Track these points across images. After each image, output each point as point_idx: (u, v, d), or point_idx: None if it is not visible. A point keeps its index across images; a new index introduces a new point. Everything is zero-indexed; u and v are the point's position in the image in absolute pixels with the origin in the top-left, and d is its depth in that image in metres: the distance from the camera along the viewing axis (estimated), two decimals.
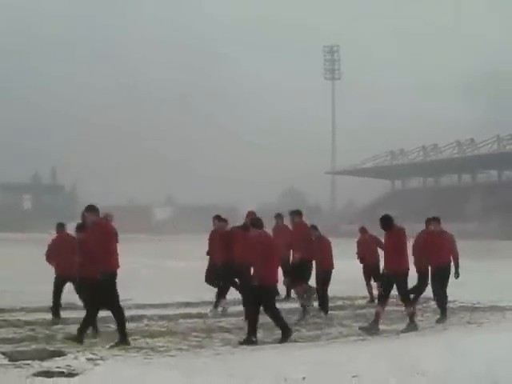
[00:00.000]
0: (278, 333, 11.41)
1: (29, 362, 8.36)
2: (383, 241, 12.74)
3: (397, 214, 17.86)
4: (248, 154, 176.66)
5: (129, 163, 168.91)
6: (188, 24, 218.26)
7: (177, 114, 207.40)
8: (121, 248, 15.68)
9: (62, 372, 7.83)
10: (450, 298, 14.68)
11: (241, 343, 10.32)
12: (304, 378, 7.59)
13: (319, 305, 13.78)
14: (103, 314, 13.08)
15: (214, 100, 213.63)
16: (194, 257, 16.01)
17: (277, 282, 11.07)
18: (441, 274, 13.27)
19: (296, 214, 13.97)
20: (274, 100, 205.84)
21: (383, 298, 12.03)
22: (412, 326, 11.91)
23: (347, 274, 17.34)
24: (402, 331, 11.73)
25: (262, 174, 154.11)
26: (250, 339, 10.40)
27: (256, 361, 8.67)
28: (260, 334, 11.21)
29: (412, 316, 12.07)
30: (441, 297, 13.40)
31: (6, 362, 8.45)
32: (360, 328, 11.82)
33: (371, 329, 11.64)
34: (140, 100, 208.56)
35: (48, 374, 7.72)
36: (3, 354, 8.88)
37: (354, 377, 7.68)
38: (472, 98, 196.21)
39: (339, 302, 15.74)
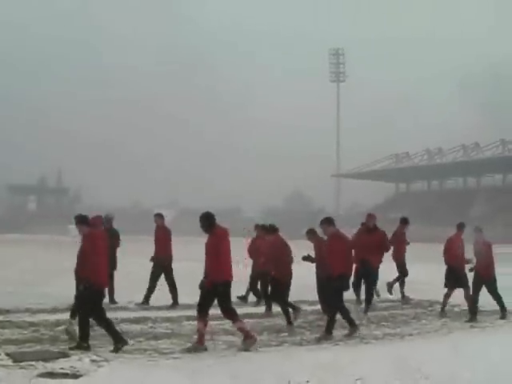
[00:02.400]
0: (284, 335, 11.44)
1: (33, 363, 8.38)
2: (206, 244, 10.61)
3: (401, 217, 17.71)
4: (253, 157, 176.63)
5: (133, 166, 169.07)
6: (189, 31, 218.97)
7: (182, 117, 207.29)
8: (125, 250, 15.77)
9: (66, 373, 7.86)
10: (454, 302, 14.67)
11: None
12: (308, 381, 7.60)
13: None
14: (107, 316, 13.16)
15: (218, 103, 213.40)
16: (198, 259, 15.99)
17: (104, 286, 10.09)
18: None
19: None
20: (277, 103, 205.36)
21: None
22: (250, 342, 10.14)
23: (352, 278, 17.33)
24: (240, 349, 10.06)
25: (266, 178, 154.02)
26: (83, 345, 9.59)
27: (260, 363, 8.69)
28: (264, 337, 11.21)
29: (243, 330, 10.27)
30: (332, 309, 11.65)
31: (10, 362, 8.47)
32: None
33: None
34: (144, 103, 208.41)
35: (52, 375, 7.75)
36: (7, 354, 8.89)
37: (357, 380, 7.69)
38: (476, 102, 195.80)
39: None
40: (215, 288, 10.09)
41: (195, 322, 11.99)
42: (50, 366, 8.20)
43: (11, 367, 8.19)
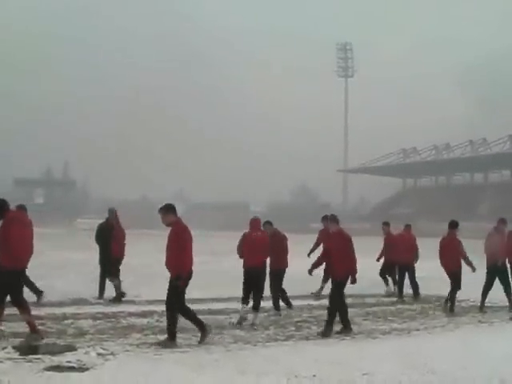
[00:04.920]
0: (291, 329, 11.42)
1: (40, 356, 8.39)
2: None
3: (409, 212, 17.72)
4: (259, 152, 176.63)
5: (141, 159, 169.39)
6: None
7: (190, 108, 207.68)
8: (133, 244, 15.78)
9: (73, 367, 7.86)
10: (462, 297, 14.63)
11: None
12: (315, 375, 7.57)
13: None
14: (113, 309, 13.19)
15: (226, 95, 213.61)
16: (205, 253, 16.01)
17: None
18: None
19: None
20: (285, 98, 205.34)
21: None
22: (35, 337, 9.68)
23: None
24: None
25: (273, 172, 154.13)
26: None
27: (266, 358, 8.67)
28: (271, 331, 11.20)
29: (30, 324, 9.84)
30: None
31: (17, 356, 8.47)
32: None
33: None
34: (150, 97, 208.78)
35: (59, 368, 7.75)
36: (14, 348, 8.90)
37: (364, 374, 7.66)
38: (484, 98, 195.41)
39: (349, 300, 15.67)
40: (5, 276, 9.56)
41: (202, 317, 12.01)
42: (57, 360, 8.20)
43: (18, 360, 8.20)
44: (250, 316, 12.05)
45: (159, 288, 15.78)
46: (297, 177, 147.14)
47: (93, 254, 16.41)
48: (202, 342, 9.92)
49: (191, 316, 10.22)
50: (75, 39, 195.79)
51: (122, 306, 13.68)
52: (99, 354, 8.62)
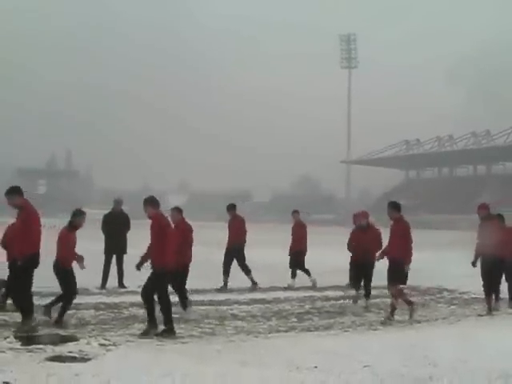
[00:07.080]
0: (293, 321, 11.44)
1: (41, 346, 8.40)
2: None
3: (411, 204, 17.67)
4: (262, 143, 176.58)
5: (143, 149, 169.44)
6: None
7: (195, 98, 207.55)
8: (135, 235, 15.77)
9: (75, 357, 7.87)
10: (463, 290, 14.62)
11: None
12: (316, 366, 7.58)
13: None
14: (115, 300, 13.20)
15: (231, 85, 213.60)
16: (207, 244, 16.01)
17: None
18: None
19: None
20: (289, 89, 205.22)
21: None
22: None
23: None
24: None
25: (276, 163, 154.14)
26: None
27: (268, 349, 8.68)
28: (273, 322, 11.22)
29: None
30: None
31: (19, 346, 8.49)
32: None
33: None
34: (151, 89, 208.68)
35: (60, 358, 7.76)
36: (17, 338, 8.92)
37: (365, 366, 7.67)
38: (487, 90, 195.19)
39: (352, 292, 15.67)
40: None
41: (204, 307, 12.04)
42: (59, 350, 8.22)
43: (20, 350, 8.22)
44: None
45: None
46: (300, 167, 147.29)
47: (95, 243, 16.42)
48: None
49: (27, 302, 9.98)
50: (77, 28, 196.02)
51: (123, 297, 13.69)
52: (101, 345, 8.64)
